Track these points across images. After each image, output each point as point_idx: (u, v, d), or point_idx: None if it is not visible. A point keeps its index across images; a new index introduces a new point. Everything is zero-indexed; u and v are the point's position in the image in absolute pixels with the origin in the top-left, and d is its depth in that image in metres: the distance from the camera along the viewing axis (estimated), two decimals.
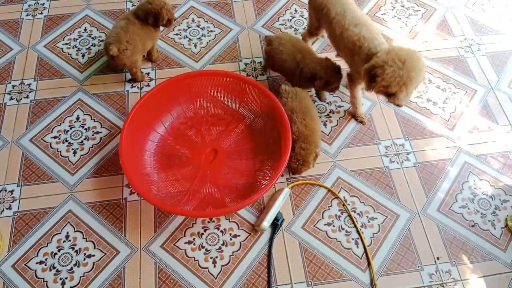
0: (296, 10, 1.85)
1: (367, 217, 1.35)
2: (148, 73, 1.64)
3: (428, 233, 1.33)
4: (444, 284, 1.24)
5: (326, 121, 1.55)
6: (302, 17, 1.82)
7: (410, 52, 1.20)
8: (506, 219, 1.37)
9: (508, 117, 1.57)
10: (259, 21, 1.81)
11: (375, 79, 1.21)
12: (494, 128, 1.55)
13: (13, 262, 1.25)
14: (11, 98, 1.58)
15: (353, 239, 1.31)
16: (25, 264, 1.25)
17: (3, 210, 1.33)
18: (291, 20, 1.81)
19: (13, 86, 1.61)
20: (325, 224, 1.33)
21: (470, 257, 1.29)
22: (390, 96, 1.24)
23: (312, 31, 1.58)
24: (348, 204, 1.37)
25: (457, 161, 1.47)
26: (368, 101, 1.59)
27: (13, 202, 1.35)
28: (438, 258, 1.29)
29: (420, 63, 1.21)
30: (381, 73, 1.19)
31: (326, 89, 1.49)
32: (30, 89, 1.60)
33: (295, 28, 1.79)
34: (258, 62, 1.69)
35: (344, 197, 1.39)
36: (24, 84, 1.62)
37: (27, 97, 1.59)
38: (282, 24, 1.80)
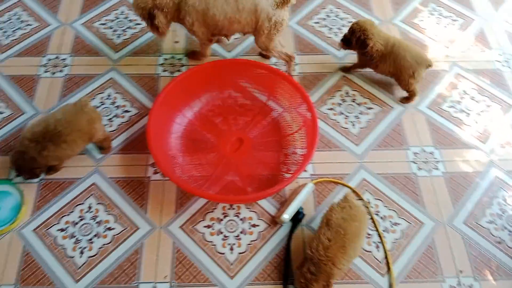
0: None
1: (390, 221, 1.32)
2: (180, 59, 1.65)
3: (452, 245, 1.29)
4: None
5: (355, 121, 1.52)
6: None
7: None
8: None
9: None
10: None
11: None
12: None
13: (35, 227, 1.26)
14: (46, 71, 1.61)
15: (374, 242, 1.28)
16: (46, 230, 1.26)
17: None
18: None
19: (49, 59, 1.64)
20: None
21: (494, 273, 1.25)
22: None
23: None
24: (372, 207, 1.34)
25: (488, 175, 1.42)
26: (400, 106, 1.57)
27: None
28: (461, 271, 1.25)
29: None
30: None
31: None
32: (65, 64, 1.63)
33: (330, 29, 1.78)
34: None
35: (367, 199, 1.36)
36: (59, 58, 1.65)
37: (61, 71, 1.61)
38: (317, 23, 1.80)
